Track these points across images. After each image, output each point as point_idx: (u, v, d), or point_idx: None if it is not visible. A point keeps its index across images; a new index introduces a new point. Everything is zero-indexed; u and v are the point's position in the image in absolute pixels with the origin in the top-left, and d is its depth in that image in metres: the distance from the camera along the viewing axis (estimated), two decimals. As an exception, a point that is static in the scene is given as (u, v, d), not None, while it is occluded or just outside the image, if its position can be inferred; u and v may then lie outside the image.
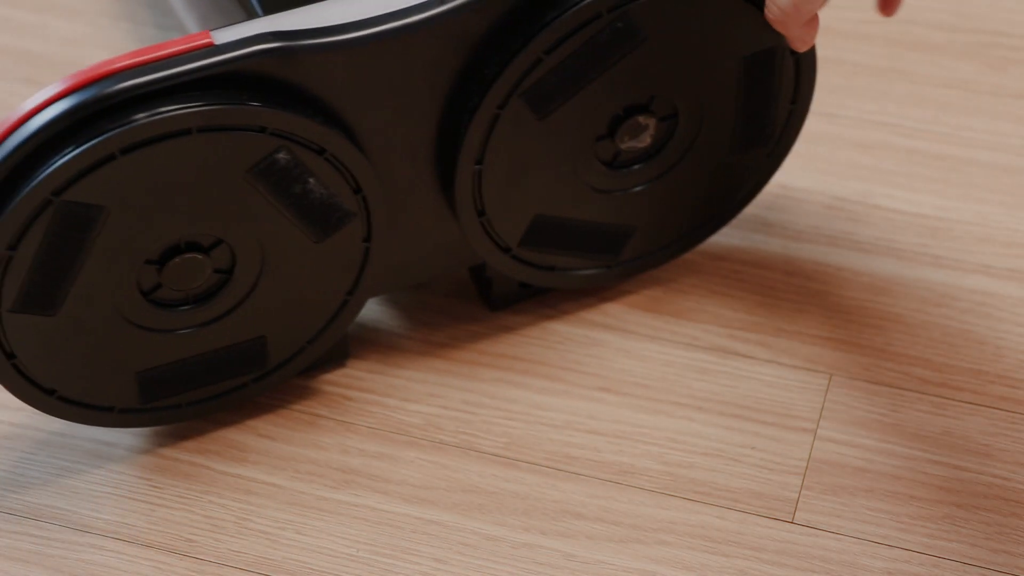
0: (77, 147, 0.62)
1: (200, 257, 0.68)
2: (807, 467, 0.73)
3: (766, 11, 0.70)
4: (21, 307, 0.66)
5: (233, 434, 0.75)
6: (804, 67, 0.76)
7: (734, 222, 0.85)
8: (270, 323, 0.72)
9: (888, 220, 0.86)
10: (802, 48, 0.71)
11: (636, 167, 0.76)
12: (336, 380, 0.78)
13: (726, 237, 0.85)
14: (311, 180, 0.68)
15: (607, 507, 0.72)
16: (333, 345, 0.75)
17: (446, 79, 0.69)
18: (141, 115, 0.63)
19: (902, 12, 1.01)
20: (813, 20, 0.70)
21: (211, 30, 0.65)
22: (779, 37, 0.73)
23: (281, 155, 0.67)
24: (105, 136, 0.62)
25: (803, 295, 0.82)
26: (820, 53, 0.93)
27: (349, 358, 0.78)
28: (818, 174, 0.88)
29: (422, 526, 0.71)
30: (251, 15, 0.74)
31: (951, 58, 0.97)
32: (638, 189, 0.77)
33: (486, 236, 0.75)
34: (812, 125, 0.90)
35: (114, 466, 0.73)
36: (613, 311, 0.81)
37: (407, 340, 0.80)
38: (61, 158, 0.62)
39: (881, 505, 0.72)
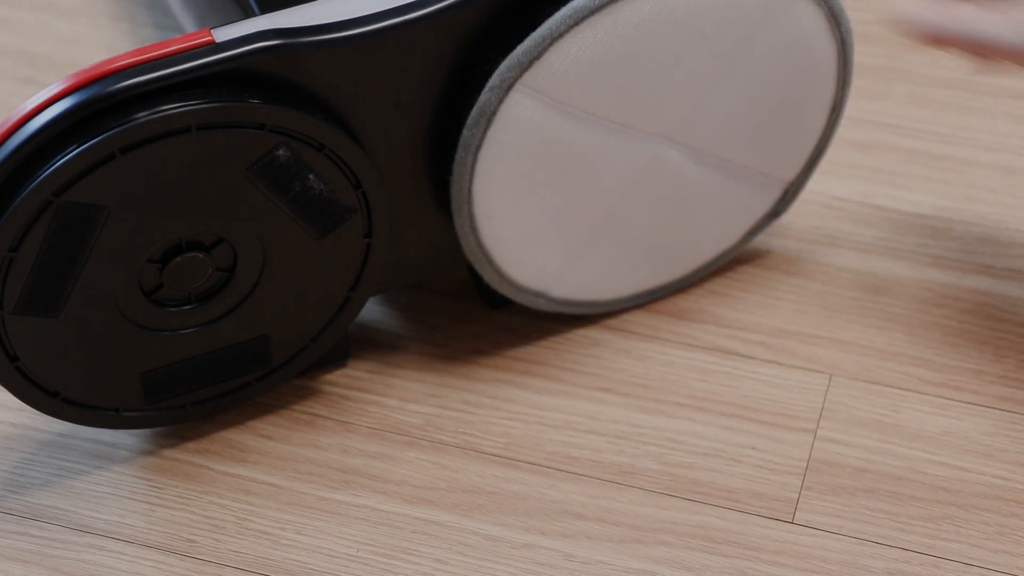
0: (78, 147, 0.62)
1: (201, 256, 0.68)
2: (807, 467, 0.73)
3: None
4: (23, 309, 0.66)
5: (233, 434, 0.75)
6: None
7: (734, 222, 0.85)
8: (273, 321, 0.72)
9: (888, 220, 0.86)
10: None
11: None
12: (336, 380, 0.78)
13: (726, 237, 0.85)
14: (311, 176, 0.68)
15: (607, 507, 0.72)
16: (334, 344, 0.75)
17: (444, 76, 0.69)
18: (141, 113, 0.63)
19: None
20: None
21: (211, 28, 0.65)
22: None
23: (281, 152, 0.67)
24: (105, 135, 0.62)
25: (803, 295, 0.82)
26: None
27: (349, 358, 0.78)
28: (818, 174, 0.88)
29: (422, 526, 0.71)
30: (248, 14, 0.74)
31: (951, 58, 0.97)
32: None
33: None
34: (812, 125, 0.90)
35: (115, 467, 0.73)
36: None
37: (407, 340, 0.80)
38: (61, 158, 0.62)
39: (881, 505, 0.72)
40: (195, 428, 0.75)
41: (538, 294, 0.77)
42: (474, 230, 0.72)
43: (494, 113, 0.68)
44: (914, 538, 0.70)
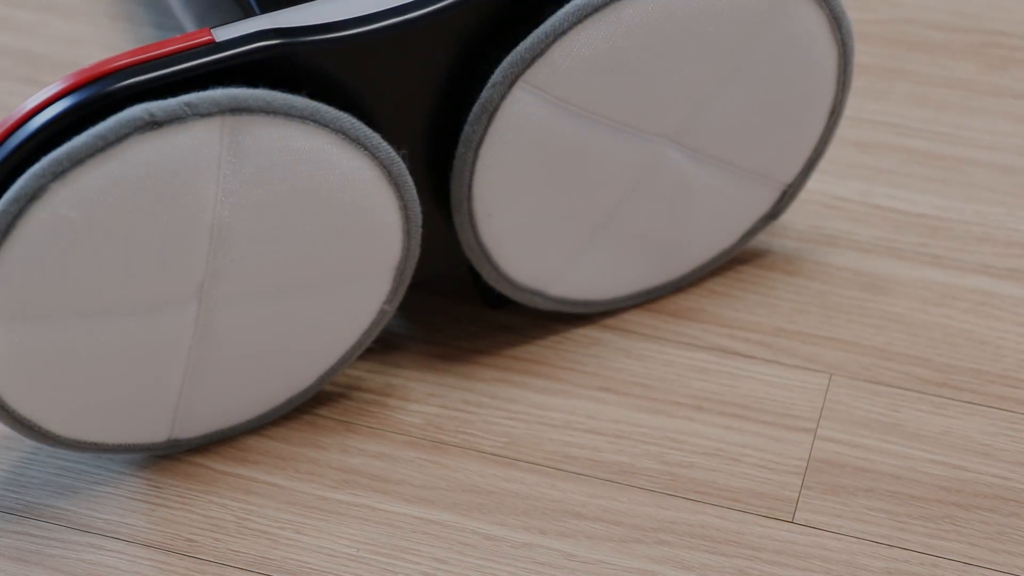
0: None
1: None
2: (807, 467, 0.73)
3: None
4: None
5: (233, 434, 0.75)
6: None
7: (734, 222, 0.85)
8: None
9: (888, 220, 0.86)
10: None
11: None
12: (336, 380, 0.77)
13: (726, 237, 0.84)
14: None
15: (607, 507, 0.72)
16: None
17: (444, 74, 0.69)
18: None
19: (902, 12, 1.01)
20: None
21: (211, 27, 0.65)
22: None
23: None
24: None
25: (803, 295, 0.82)
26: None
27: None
28: (818, 174, 0.88)
29: (422, 526, 0.71)
30: (248, 14, 0.74)
31: (951, 58, 0.97)
32: None
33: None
34: (812, 125, 0.90)
35: (114, 466, 0.73)
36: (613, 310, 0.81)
37: (407, 340, 0.80)
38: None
39: (881, 505, 0.72)
40: (195, 428, 0.75)
41: (536, 292, 0.77)
42: (473, 227, 0.72)
43: (496, 110, 0.68)
44: (914, 538, 0.70)
